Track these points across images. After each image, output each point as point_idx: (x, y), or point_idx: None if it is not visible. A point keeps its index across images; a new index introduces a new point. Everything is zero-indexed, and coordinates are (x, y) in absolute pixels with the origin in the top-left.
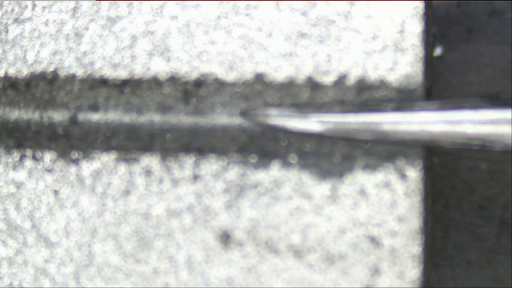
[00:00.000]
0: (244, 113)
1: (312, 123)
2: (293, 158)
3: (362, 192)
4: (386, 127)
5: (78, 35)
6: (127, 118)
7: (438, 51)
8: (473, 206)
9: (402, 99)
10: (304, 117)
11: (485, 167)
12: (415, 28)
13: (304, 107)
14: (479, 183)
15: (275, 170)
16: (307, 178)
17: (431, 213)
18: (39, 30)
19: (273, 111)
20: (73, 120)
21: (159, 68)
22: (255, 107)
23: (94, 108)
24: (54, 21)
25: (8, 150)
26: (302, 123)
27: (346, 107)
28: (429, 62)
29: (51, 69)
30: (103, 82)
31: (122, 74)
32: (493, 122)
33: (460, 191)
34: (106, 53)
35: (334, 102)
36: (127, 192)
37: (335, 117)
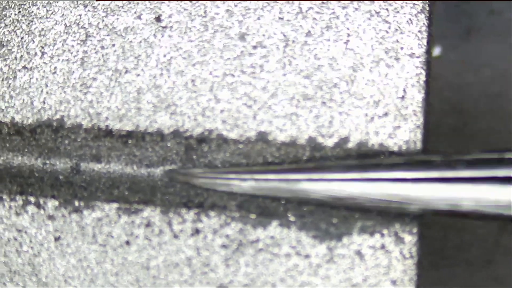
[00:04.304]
0: (172, 172)
1: (239, 182)
2: (292, 216)
3: (359, 254)
4: (303, 186)
5: (85, 85)
6: (129, 169)
7: (437, 51)
8: None
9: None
10: (231, 177)
11: None
12: (417, 95)
13: (230, 167)
14: None
15: (274, 228)
16: (305, 237)
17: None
18: (47, 78)
19: (201, 171)
20: (76, 169)
21: (163, 121)
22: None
23: (97, 158)
24: (62, 69)
25: (11, 196)
26: (228, 182)
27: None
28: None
29: (57, 117)
30: (108, 132)
31: (127, 125)
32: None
33: None
34: (112, 104)
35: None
36: (127, 243)
37: (261, 176)
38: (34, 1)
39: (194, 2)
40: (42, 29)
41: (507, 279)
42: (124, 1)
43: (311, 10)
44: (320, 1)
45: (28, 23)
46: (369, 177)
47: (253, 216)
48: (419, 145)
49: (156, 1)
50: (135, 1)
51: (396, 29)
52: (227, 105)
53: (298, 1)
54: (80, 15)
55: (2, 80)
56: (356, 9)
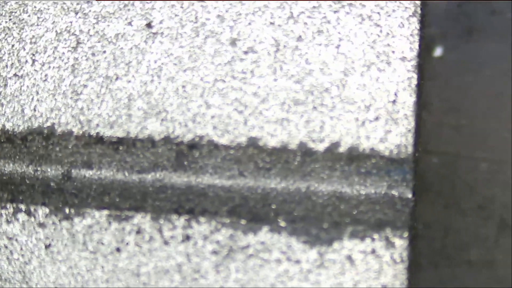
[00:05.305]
0: None
1: None
2: (282, 222)
3: (349, 258)
4: None
5: (76, 92)
6: (120, 176)
7: (438, 52)
8: (473, 206)
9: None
10: None
11: (485, 167)
12: (408, 99)
13: None
14: (478, 183)
15: (264, 233)
16: (296, 243)
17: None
18: (38, 85)
19: None
20: (67, 176)
21: (154, 128)
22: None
23: (88, 165)
24: (53, 77)
25: (2, 203)
26: None
27: None
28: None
29: (48, 124)
30: (99, 139)
31: (117, 132)
32: None
33: (459, 191)
34: (103, 111)
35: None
36: (117, 249)
37: None
38: (25, 9)
39: (185, 8)
40: (33, 36)
41: (507, 279)
42: (115, 8)
43: (302, 15)
44: (312, 6)
45: (19, 31)
46: None
47: (243, 221)
48: (410, 150)
49: (147, 6)
50: (126, 8)
51: (388, 33)
52: (218, 110)
53: (289, 6)
54: (71, 22)
55: None
56: (348, 13)
